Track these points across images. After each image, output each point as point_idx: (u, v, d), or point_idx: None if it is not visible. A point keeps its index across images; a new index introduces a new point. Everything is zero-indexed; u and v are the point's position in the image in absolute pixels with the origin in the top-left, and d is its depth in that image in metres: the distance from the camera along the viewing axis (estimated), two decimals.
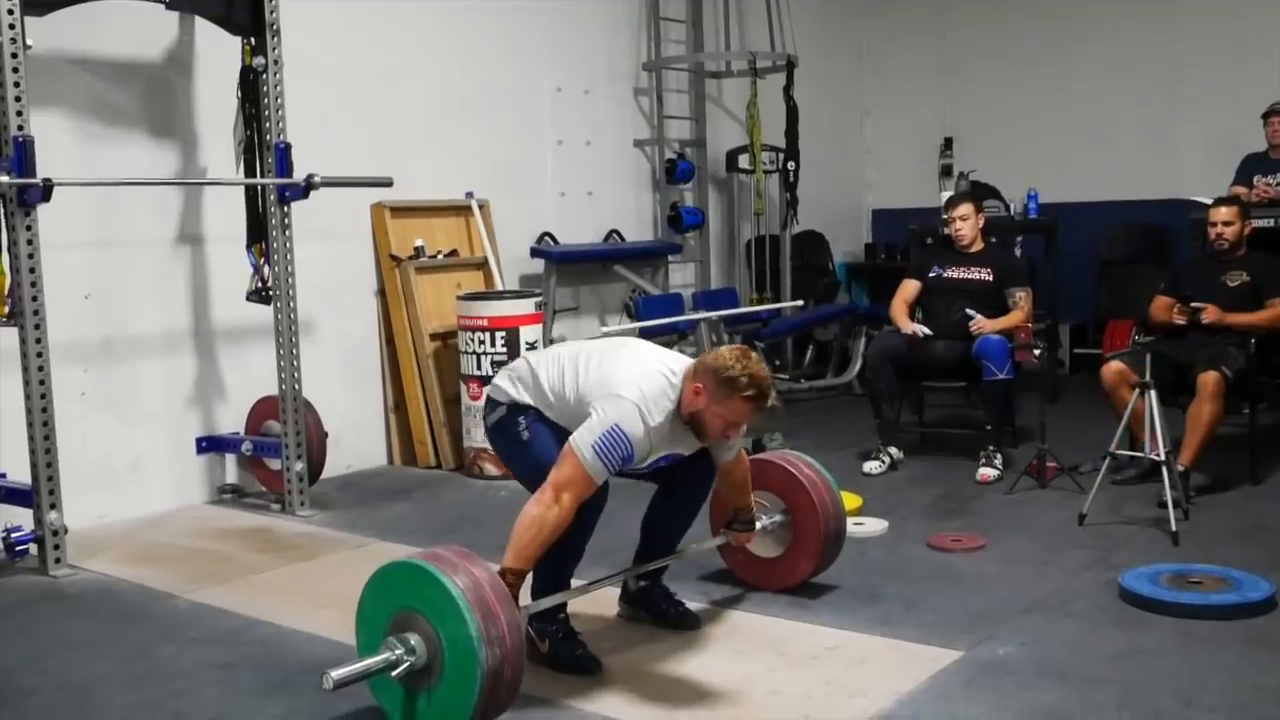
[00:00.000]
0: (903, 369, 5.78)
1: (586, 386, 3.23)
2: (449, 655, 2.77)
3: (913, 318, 5.91)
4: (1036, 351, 5.43)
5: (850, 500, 5.01)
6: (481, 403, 5.73)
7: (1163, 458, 4.59)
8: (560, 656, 3.32)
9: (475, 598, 2.76)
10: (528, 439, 3.36)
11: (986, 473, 5.49)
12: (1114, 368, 5.23)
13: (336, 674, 2.77)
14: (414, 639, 2.82)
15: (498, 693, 2.79)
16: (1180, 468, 4.87)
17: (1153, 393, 4.68)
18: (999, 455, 5.59)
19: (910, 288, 5.98)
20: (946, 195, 7.46)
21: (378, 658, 2.83)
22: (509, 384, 3.45)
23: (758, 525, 3.82)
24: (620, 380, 3.17)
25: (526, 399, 3.39)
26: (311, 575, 4.39)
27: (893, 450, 5.79)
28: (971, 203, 6.05)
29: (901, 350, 5.77)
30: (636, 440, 3.09)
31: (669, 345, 7.18)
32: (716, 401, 3.13)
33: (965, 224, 5.89)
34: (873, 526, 4.73)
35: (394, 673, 2.82)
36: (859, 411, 6.77)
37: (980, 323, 5.60)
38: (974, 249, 5.93)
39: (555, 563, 3.25)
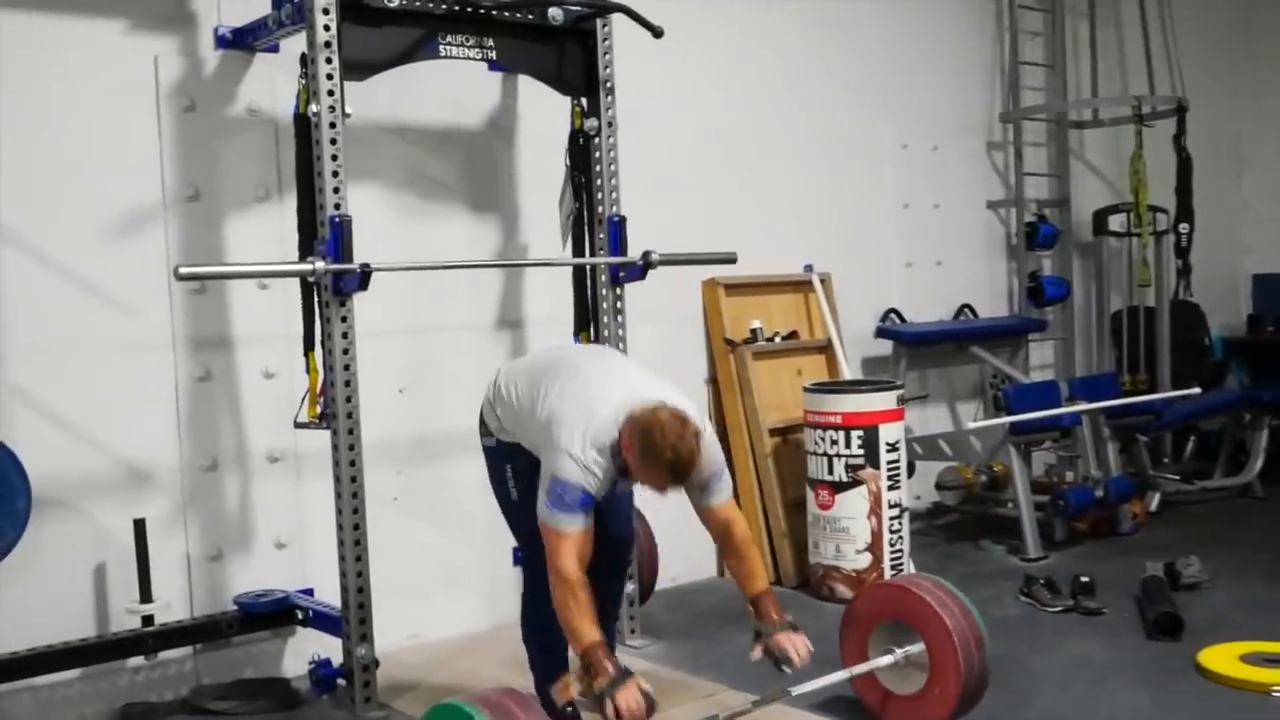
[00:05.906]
0: None
1: (540, 426, 3.27)
2: None
3: None
4: None
5: None
6: (833, 511, 5.08)
7: None
8: None
9: None
10: (516, 499, 3.49)
11: None
12: None
13: None
14: None
15: None
16: None
17: None
18: None
19: None
20: None
21: None
22: (490, 413, 3.54)
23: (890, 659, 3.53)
24: (561, 422, 3.20)
25: (509, 433, 3.47)
26: None
27: None
28: None
29: None
30: (580, 482, 3.13)
31: (1040, 444, 6.25)
32: (638, 461, 3.13)
33: None
34: None
35: None
36: (1269, 518, 5.95)
37: None
38: None
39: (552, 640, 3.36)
